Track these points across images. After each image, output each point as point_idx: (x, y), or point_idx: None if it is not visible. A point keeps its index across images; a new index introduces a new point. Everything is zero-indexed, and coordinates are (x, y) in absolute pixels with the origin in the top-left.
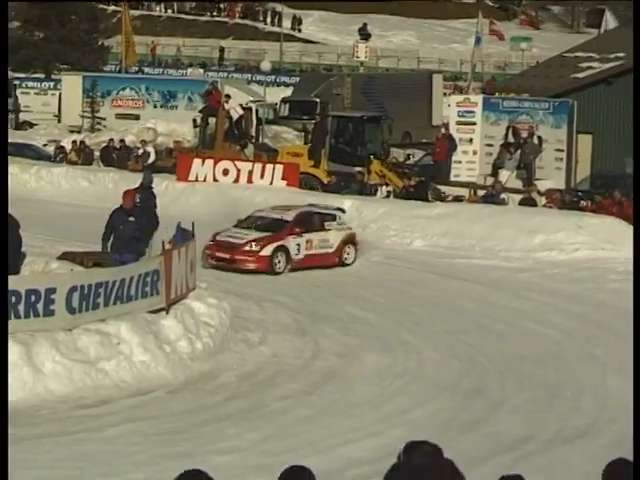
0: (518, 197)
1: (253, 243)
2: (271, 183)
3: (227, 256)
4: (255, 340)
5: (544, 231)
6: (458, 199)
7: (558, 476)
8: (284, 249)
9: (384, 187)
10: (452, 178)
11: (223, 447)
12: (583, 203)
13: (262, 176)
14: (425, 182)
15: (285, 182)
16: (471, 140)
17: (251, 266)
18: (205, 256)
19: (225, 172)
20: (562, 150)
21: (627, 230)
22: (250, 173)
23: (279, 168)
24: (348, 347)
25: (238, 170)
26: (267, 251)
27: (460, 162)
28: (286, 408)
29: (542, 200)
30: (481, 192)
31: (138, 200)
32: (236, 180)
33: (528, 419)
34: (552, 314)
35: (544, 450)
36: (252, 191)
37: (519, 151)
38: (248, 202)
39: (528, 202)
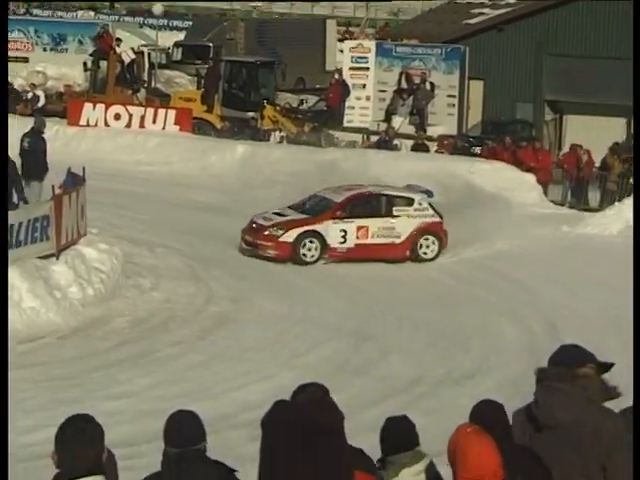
0: (410, 143)
1: (277, 226)
2: (164, 128)
3: (251, 239)
4: (147, 286)
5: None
6: (351, 145)
7: (446, 416)
8: (317, 235)
9: (277, 132)
10: (345, 124)
11: (114, 393)
12: (474, 149)
13: (154, 121)
14: (318, 128)
15: (178, 127)
16: (364, 86)
17: (271, 253)
18: (241, 239)
19: (117, 117)
20: (454, 96)
21: (518, 176)
22: (142, 118)
23: (172, 113)
24: (241, 292)
25: (130, 115)
26: (289, 237)
27: (353, 108)
28: (178, 354)
29: (434, 146)
30: (374, 138)
31: (27, 145)
32: (128, 125)
33: (420, 362)
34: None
35: (434, 392)
36: (144, 136)
37: (412, 97)
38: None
39: (420, 148)
